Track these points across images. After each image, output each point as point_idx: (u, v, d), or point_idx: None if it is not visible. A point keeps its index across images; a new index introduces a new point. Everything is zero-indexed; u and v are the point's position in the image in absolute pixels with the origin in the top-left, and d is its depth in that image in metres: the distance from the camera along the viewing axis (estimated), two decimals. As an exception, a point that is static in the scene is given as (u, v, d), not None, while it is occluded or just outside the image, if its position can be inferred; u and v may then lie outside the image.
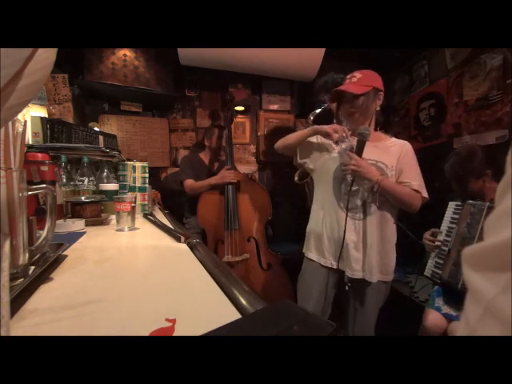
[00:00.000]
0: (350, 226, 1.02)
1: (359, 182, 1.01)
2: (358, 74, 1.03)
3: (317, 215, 1.13)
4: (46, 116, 1.48)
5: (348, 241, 1.01)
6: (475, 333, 0.14)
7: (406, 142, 1.08)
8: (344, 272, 1.05)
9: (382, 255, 1.02)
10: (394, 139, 1.10)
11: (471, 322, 0.15)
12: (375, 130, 1.09)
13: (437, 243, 1.31)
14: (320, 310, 1.10)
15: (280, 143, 1.20)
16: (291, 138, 1.16)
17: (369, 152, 1.01)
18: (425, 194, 1.02)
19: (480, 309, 0.14)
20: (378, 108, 1.06)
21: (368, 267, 1.01)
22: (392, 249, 1.06)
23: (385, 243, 1.03)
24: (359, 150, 0.97)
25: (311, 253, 1.14)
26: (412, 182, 1.00)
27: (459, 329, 0.16)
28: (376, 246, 1.01)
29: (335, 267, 1.06)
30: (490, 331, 0.14)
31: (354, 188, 1.02)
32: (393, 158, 1.03)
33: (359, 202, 1.02)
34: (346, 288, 1.08)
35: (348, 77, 1.05)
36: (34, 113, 1.49)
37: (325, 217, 1.09)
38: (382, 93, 1.04)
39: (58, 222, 0.85)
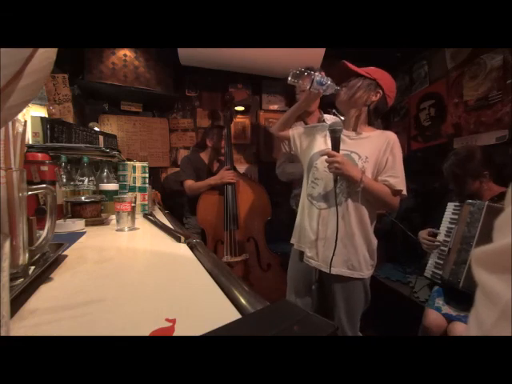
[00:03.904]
0: (310, 214, 1.02)
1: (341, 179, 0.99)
2: (371, 67, 1.02)
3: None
4: (46, 116, 1.48)
5: (311, 231, 1.02)
6: (490, 335, 0.14)
7: (392, 134, 1.02)
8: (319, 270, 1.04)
9: (348, 247, 0.98)
10: (378, 131, 1.04)
11: (486, 325, 0.14)
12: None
13: (436, 243, 1.31)
14: (304, 303, 1.11)
15: (278, 123, 1.20)
16: (285, 115, 1.16)
17: (345, 143, 0.99)
18: (405, 191, 0.97)
19: (496, 312, 0.14)
20: (369, 103, 1.00)
21: (328, 258, 0.97)
22: (362, 241, 0.99)
23: (352, 234, 0.98)
24: (335, 148, 0.94)
25: (293, 238, 1.17)
26: (392, 180, 0.95)
27: (470, 330, 0.16)
28: (341, 237, 0.97)
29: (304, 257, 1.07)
30: (505, 334, 0.13)
31: (318, 177, 1.01)
32: (371, 149, 0.98)
33: (323, 192, 1.00)
34: (313, 287, 1.07)
35: None
36: (34, 113, 1.49)
37: (300, 206, 1.12)
38: (380, 91, 1.00)
39: (58, 221, 0.85)
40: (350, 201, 0.98)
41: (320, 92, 1.00)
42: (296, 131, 1.17)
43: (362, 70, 1.00)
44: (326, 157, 0.94)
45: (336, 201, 0.95)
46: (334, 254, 0.96)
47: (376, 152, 0.98)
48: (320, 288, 1.08)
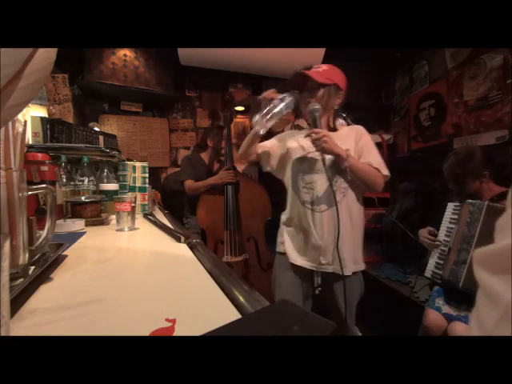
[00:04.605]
0: (312, 220, 1.01)
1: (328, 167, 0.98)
2: (324, 66, 1.02)
3: (286, 211, 1.15)
4: (46, 116, 1.48)
5: (319, 237, 1.00)
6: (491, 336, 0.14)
7: (359, 126, 1.07)
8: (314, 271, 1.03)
9: (351, 245, 1.00)
10: (347, 127, 1.08)
11: (487, 326, 0.14)
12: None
13: (436, 242, 1.31)
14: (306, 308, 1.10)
15: (238, 154, 1.22)
16: (243, 144, 1.17)
17: None
18: (385, 171, 0.98)
19: (497, 312, 0.14)
20: (336, 107, 1.04)
21: (343, 259, 0.96)
22: (359, 236, 1.03)
23: (351, 232, 1.00)
24: (316, 127, 0.95)
25: (283, 245, 1.12)
26: (372, 161, 0.98)
27: (471, 330, 0.16)
28: (344, 236, 0.97)
29: (299, 263, 1.05)
30: (507, 334, 0.13)
31: (310, 181, 1.02)
32: (348, 143, 1.01)
33: (320, 193, 1.00)
34: (316, 292, 1.05)
35: (314, 67, 1.03)
36: (34, 113, 1.49)
37: (291, 218, 1.10)
38: (342, 92, 1.03)
39: (58, 221, 0.85)
40: (347, 195, 1.00)
41: (289, 111, 1.01)
42: (264, 150, 1.15)
43: (322, 78, 0.99)
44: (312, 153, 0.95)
45: (335, 199, 0.95)
46: (345, 253, 0.97)
47: (353, 145, 1.01)
48: (322, 289, 1.07)
